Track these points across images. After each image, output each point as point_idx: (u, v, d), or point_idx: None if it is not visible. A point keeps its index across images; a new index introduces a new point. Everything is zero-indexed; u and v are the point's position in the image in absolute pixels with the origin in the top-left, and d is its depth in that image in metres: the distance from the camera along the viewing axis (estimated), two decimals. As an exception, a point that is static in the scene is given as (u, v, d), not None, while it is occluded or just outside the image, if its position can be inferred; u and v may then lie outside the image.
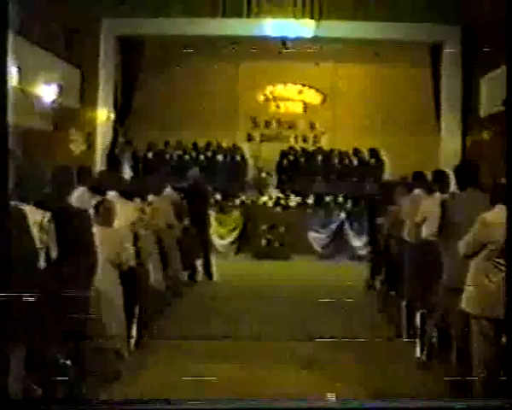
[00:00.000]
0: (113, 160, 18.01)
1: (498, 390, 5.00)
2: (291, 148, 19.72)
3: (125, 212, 8.20)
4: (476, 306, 5.82)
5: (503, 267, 5.60)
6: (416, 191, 8.69)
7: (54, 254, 5.43)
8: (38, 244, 5.25)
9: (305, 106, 20.86)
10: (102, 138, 18.55)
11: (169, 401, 3.92)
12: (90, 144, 18.12)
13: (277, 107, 20.84)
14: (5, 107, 3.79)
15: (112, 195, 8.48)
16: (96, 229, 7.02)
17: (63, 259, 5.53)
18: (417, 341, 7.74)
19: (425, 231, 7.22)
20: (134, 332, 7.88)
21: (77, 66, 17.45)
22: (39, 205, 5.38)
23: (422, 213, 7.45)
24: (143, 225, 8.79)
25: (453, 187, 7.37)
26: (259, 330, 9.09)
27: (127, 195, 8.85)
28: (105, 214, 7.36)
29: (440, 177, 7.95)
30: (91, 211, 7.14)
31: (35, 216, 5.25)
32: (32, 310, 4.88)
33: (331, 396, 4.00)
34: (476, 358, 5.84)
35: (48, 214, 5.35)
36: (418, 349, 7.69)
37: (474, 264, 5.88)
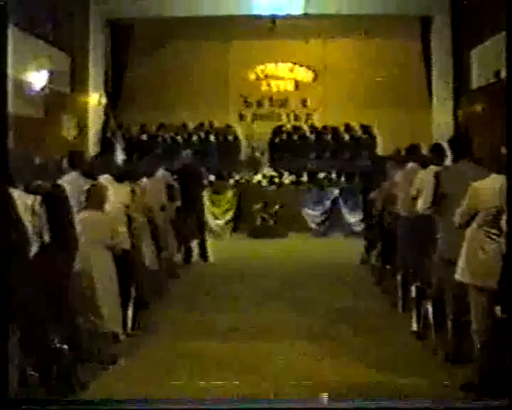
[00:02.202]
0: (105, 143, 17.97)
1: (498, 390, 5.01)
2: (283, 126, 19.69)
3: (117, 195, 8.20)
4: (470, 276, 5.84)
5: (495, 237, 5.63)
6: (410, 165, 8.69)
7: (46, 237, 5.43)
8: (31, 229, 5.23)
9: (297, 84, 20.73)
10: (94, 123, 18.50)
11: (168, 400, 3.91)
12: (82, 129, 18.05)
13: (269, 85, 20.69)
14: (5, 97, 3.78)
15: (104, 178, 8.47)
16: (88, 213, 7.04)
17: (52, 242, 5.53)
18: (413, 313, 7.77)
19: (420, 204, 7.21)
20: (130, 314, 7.87)
21: (67, 51, 17.33)
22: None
23: (417, 187, 7.47)
24: (136, 208, 8.76)
25: (449, 160, 7.37)
26: (258, 305, 9.12)
27: (120, 178, 8.84)
28: (97, 198, 7.35)
29: (437, 150, 7.93)
30: (83, 196, 7.16)
31: (26, 200, 5.24)
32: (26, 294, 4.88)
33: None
34: (473, 327, 5.86)
35: (38, 198, 5.34)
36: (414, 321, 7.72)
37: (468, 234, 5.89)
